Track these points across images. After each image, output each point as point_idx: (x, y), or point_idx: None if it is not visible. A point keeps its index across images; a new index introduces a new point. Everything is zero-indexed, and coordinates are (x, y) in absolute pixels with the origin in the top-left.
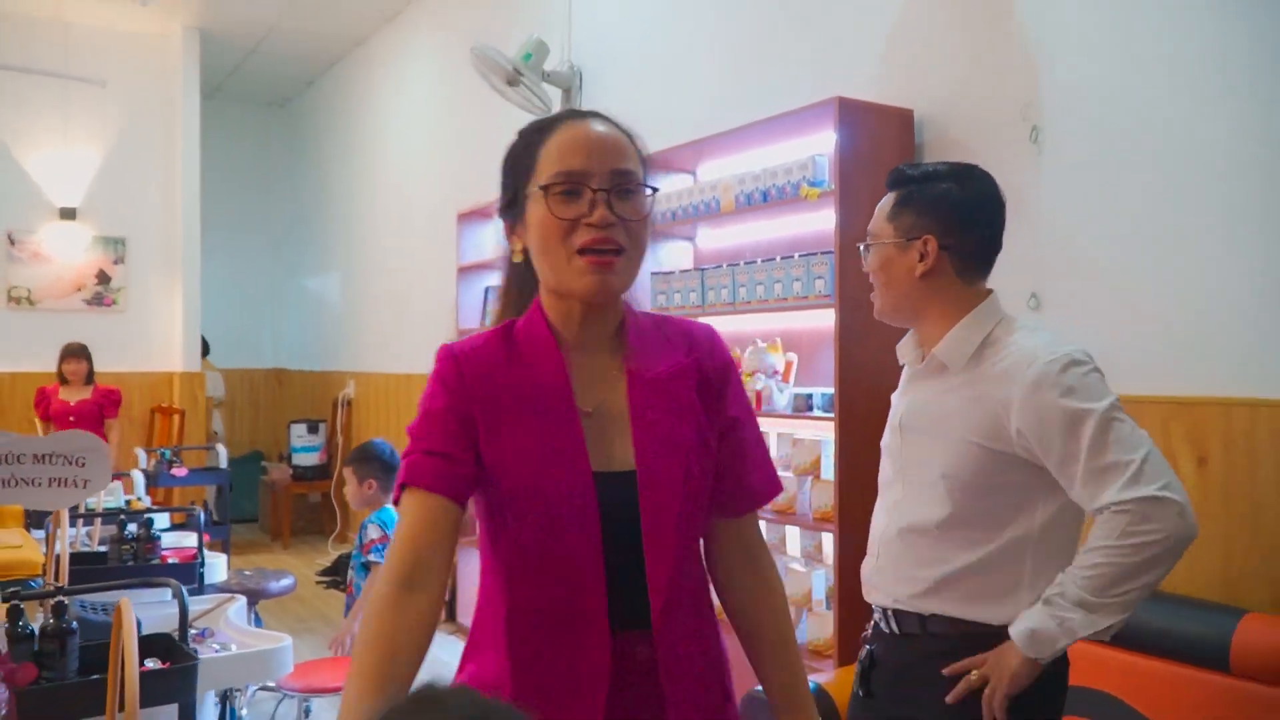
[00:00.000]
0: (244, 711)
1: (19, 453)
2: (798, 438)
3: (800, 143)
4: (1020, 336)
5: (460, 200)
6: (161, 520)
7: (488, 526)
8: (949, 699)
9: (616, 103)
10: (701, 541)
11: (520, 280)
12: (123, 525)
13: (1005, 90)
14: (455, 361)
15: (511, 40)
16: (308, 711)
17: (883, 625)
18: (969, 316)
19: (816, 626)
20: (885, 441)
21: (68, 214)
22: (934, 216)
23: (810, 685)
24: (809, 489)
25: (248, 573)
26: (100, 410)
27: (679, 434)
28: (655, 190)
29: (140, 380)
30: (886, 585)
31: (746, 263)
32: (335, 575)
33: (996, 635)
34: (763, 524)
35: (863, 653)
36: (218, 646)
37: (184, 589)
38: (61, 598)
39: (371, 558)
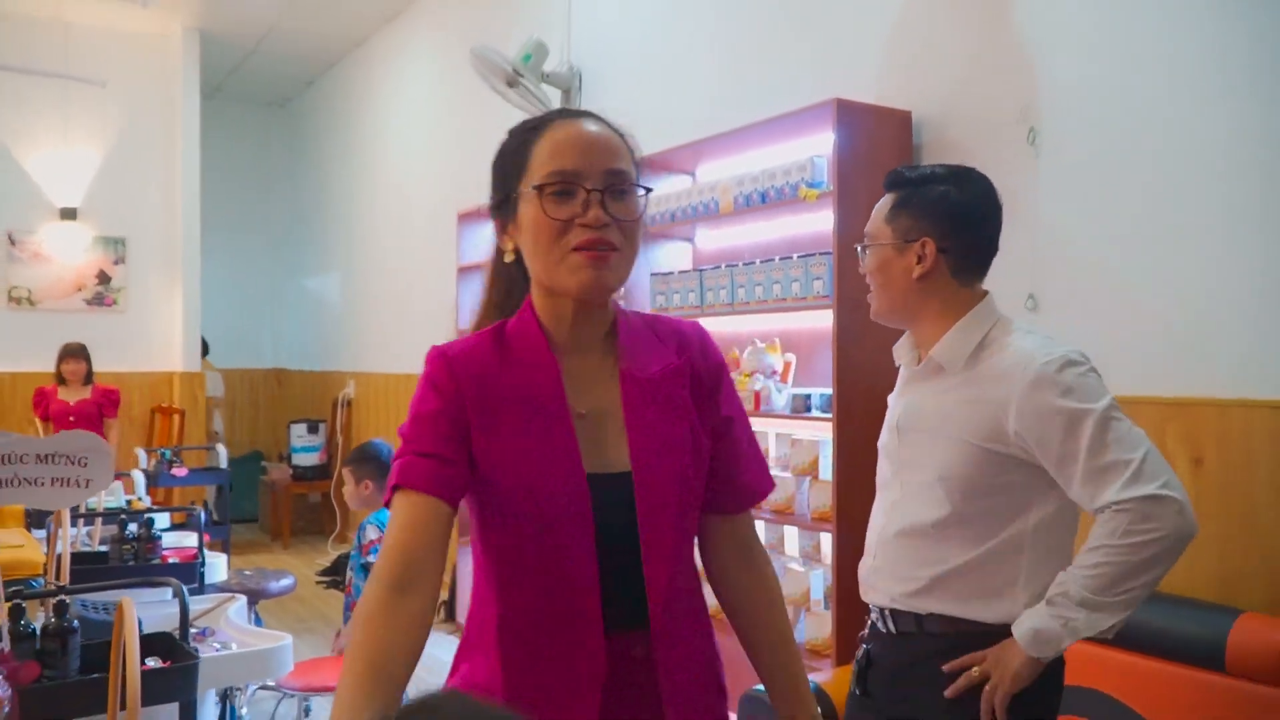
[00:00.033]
0: (244, 710)
1: (21, 453)
2: (796, 438)
3: (799, 144)
4: (1016, 338)
5: (460, 200)
6: (162, 520)
7: (480, 528)
8: (948, 693)
9: (615, 104)
10: (696, 540)
11: (508, 281)
12: (123, 525)
13: (1003, 92)
14: (447, 363)
15: (511, 41)
16: (307, 710)
17: (879, 625)
18: (965, 318)
19: (815, 626)
20: (882, 442)
21: (68, 214)
22: (932, 219)
23: (809, 684)
24: (807, 489)
25: (248, 572)
26: (100, 410)
27: (674, 435)
28: (649, 190)
29: (140, 380)
30: (884, 585)
31: (745, 263)
32: (335, 575)
33: (992, 634)
34: (761, 524)
35: (860, 652)
36: (218, 646)
37: (185, 588)
38: (63, 597)
39: (370, 559)
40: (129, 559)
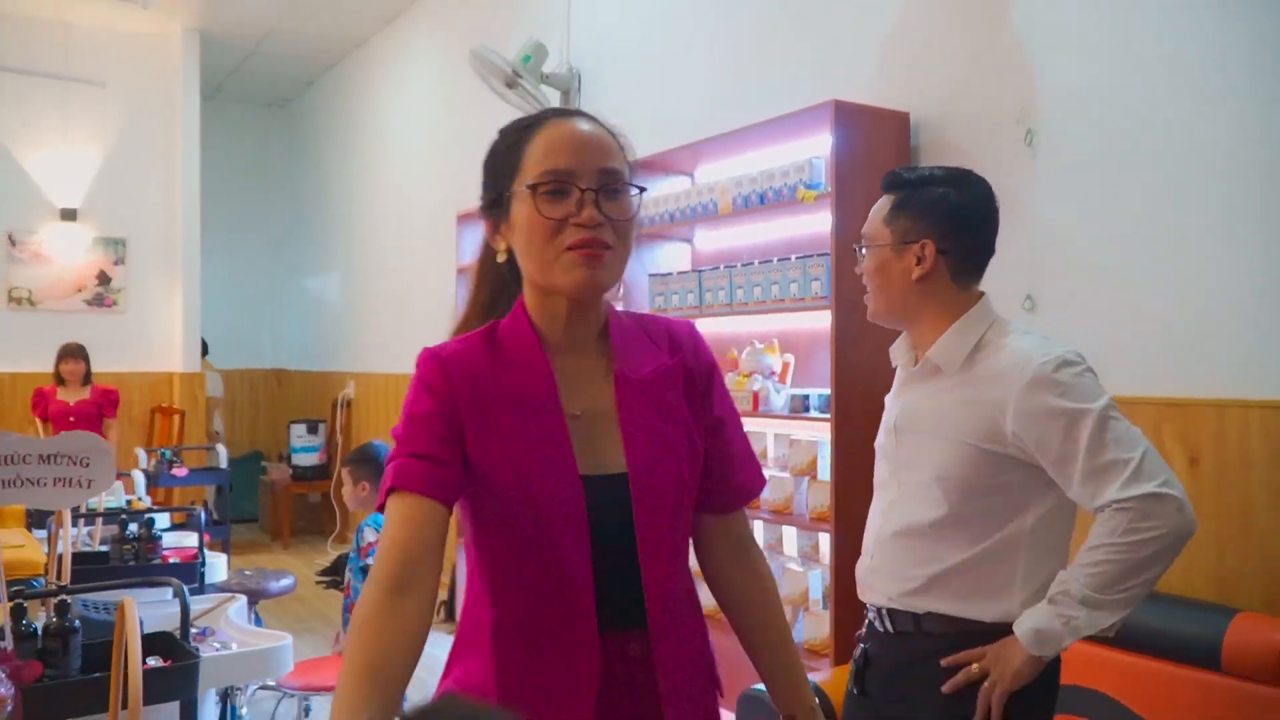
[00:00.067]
0: (244, 710)
1: (24, 453)
2: (794, 438)
3: (797, 145)
4: (1013, 339)
5: (460, 200)
6: (162, 520)
7: (475, 530)
8: (945, 688)
9: (614, 105)
10: (690, 539)
11: (499, 281)
12: (124, 525)
13: (1001, 94)
14: (440, 364)
15: (511, 41)
16: (307, 710)
17: (877, 624)
18: (962, 319)
19: (813, 626)
20: (879, 443)
21: (68, 215)
22: (931, 221)
23: (808, 680)
24: (805, 489)
25: (248, 572)
26: (99, 410)
27: (668, 436)
28: (642, 190)
29: (140, 380)
30: (881, 585)
31: (744, 264)
32: (334, 575)
33: (990, 633)
34: (760, 524)
35: (857, 651)
36: (218, 645)
37: (185, 588)
38: (64, 597)
39: (369, 561)
40: (129, 559)
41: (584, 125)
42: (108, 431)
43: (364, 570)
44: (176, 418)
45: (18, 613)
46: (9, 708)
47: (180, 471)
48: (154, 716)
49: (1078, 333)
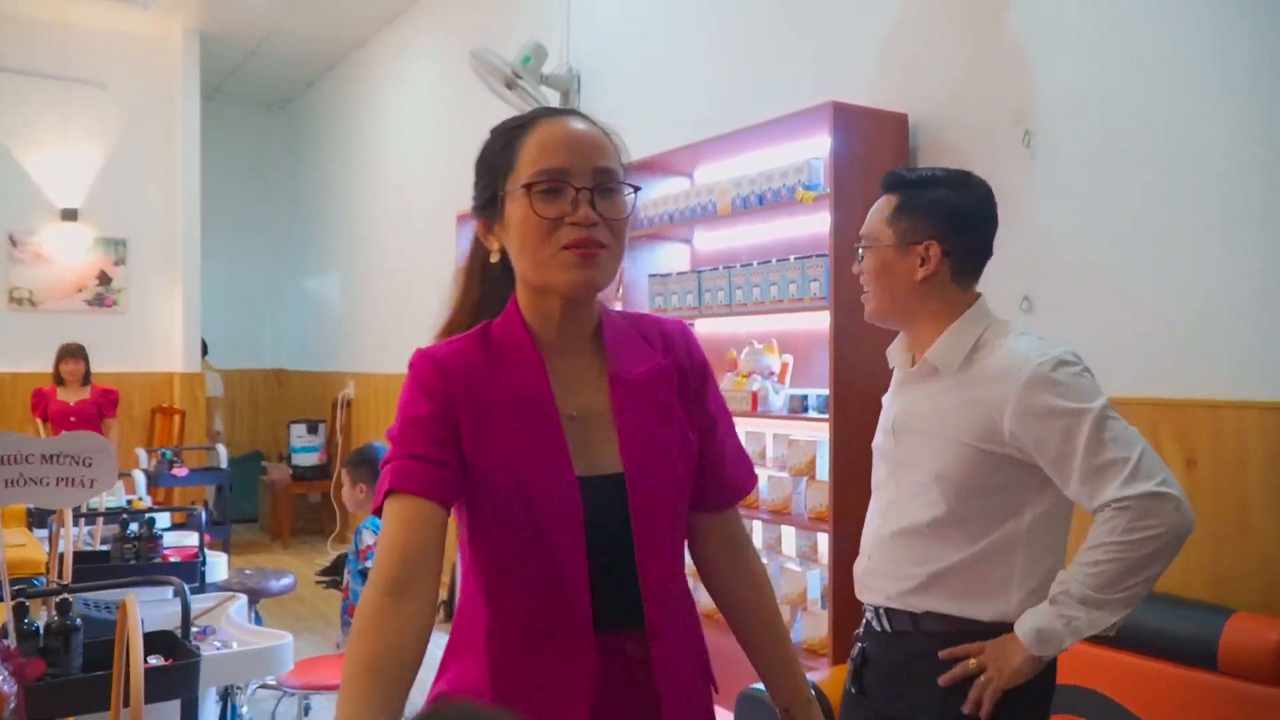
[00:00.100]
0: (245, 709)
1: (26, 453)
2: (793, 438)
3: (796, 146)
4: (1011, 340)
5: (460, 201)
6: (162, 520)
7: (470, 530)
8: (942, 681)
9: (614, 106)
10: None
11: (491, 282)
12: (125, 525)
13: (999, 95)
14: (435, 364)
15: (511, 42)
16: (307, 709)
17: (875, 624)
18: (960, 320)
19: (812, 626)
20: (877, 443)
21: (69, 215)
22: (934, 221)
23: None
24: (804, 489)
25: (248, 572)
26: (99, 410)
27: (663, 436)
28: (637, 189)
29: (141, 380)
30: (879, 584)
31: (743, 265)
32: (334, 575)
33: (987, 632)
34: (759, 524)
35: (855, 651)
36: (219, 644)
37: (186, 587)
38: (66, 595)
39: (368, 564)
40: (130, 558)
41: (578, 124)
42: (108, 431)
43: (362, 573)
44: (177, 418)
45: (20, 611)
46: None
47: (180, 471)
48: (155, 715)
49: (1075, 333)
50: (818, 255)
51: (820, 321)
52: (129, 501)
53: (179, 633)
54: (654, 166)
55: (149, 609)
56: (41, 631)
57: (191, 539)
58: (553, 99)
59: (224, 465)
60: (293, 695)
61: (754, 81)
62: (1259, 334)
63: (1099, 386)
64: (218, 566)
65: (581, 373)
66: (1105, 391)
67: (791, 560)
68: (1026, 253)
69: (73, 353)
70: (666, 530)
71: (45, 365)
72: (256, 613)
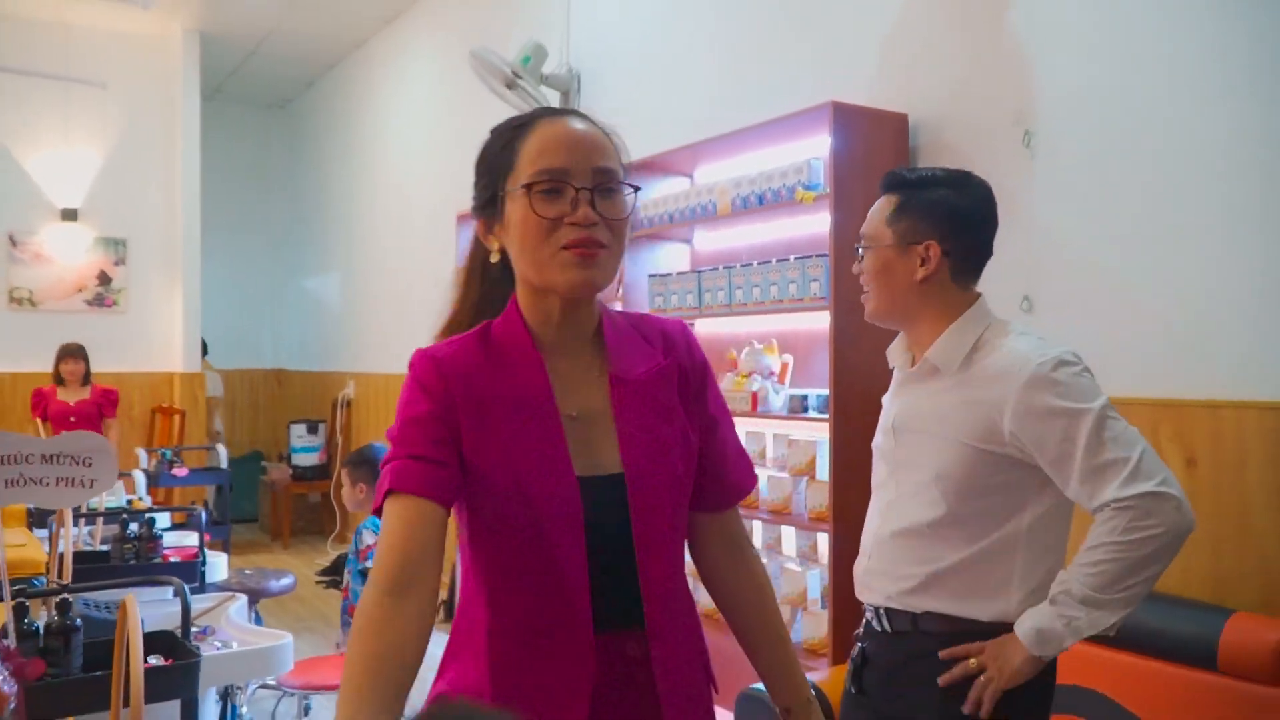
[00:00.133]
0: (244, 709)
1: (27, 453)
2: (793, 438)
3: (795, 146)
4: (1011, 340)
5: (460, 201)
6: (162, 520)
7: (470, 530)
8: (941, 681)
9: (614, 106)
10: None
11: (490, 282)
12: (125, 525)
13: (999, 95)
14: (435, 364)
15: (511, 42)
16: (307, 709)
17: (874, 623)
18: (960, 320)
19: (812, 626)
20: (877, 443)
21: (69, 215)
22: (934, 221)
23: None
24: (804, 489)
25: (248, 572)
26: (99, 410)
27: (664, 436)
28: (637, 189)
29: (141, 380)
30: (879, 584)
31: (743, 265)
32: (334, 575)
33: (987, 632)
34: (758, 524)
35: (855, 651)
36: (219, 644)
37: (186, 587)
38: (66, 595)
39: (368, 564)
40: (130, 558)
41: (578, 124)
42: (107, 431)
43: (362, 573)
44: (177, 418)
45: (20, 611)
46: (12, 705)
47: (180, 471)
48: (155, 715)
49: (1075, 334)
50: (818, 255)
51: (820, 322)
52: (129, 501)
53: (179, 633)
54: (654, 166)
55: (149, 609)
56: (42, 631)
57: (191, 539)
58: (553, 99)
59: (224, 465)
60: (293, 695)
61: (754, 81)
62: (1259, 334)
63: (1099, 386)
64: (218, 566)
65: (581, 373)
66: (1105, 391)
67: (791, 560)
68: (1026, 253)
69: (73, 353)
70: (667, 530)
71: (45, 365)
72: (256, 613)
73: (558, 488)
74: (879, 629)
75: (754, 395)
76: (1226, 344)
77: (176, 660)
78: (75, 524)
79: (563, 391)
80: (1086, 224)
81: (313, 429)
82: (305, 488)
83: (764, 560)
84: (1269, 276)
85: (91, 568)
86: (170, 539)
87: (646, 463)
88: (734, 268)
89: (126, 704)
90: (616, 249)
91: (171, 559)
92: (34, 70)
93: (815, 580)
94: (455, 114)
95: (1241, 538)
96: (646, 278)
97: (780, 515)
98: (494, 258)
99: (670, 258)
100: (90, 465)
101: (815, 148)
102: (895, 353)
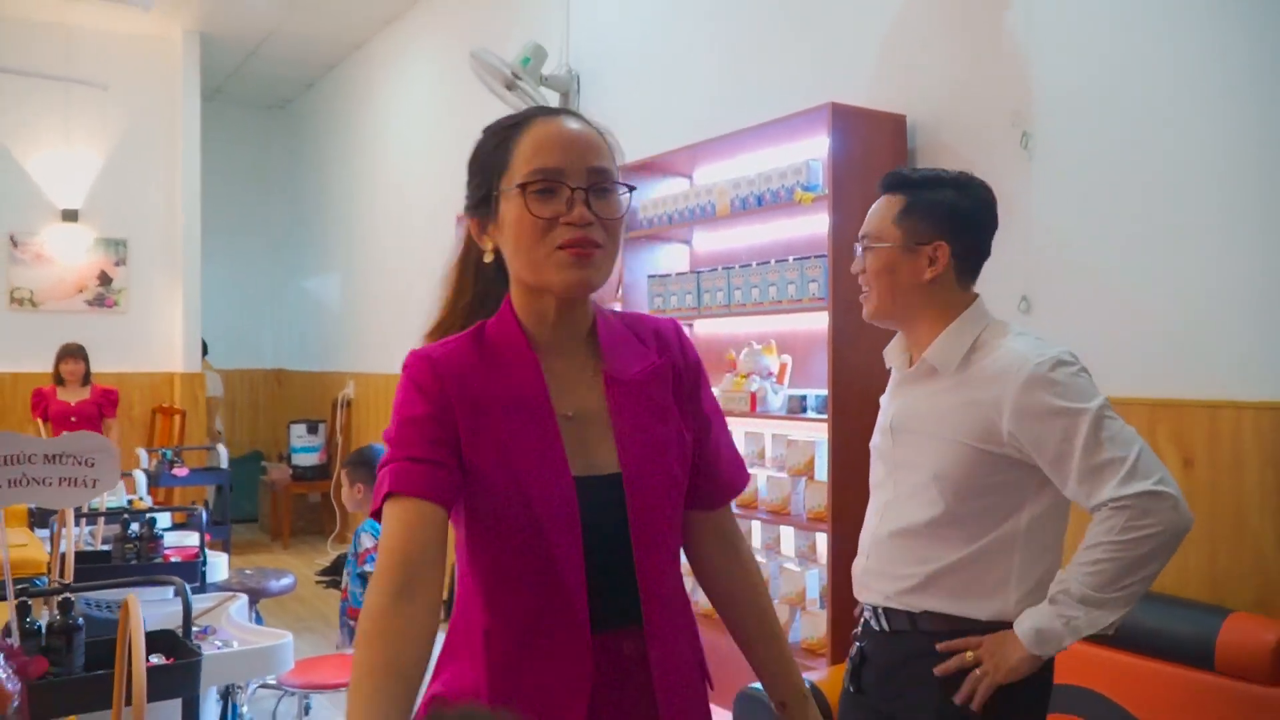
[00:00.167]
0: (245, 708)
1: (29, 453)
2: (792, 439)
3: (794, 147)
4: (1009, 340)
5: (460, 201)
6: (163, 520)
7: (467, 532)
8: (937, 671)
9: (613, 107)
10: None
11: (485, 282)
12: (126, 524)
13: (997, 96)
14: (431, 365)
15: (511, 43)
16: (308, 708)
17: (873, 623)
18: (958, 320)
19: (810, 625)
20: (875, 444)
21: (69, 216)
22: (938, 221)
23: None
24: (803, 489)
25: (249, 572)
26: (100, 410)
27: (660, 435)
28: (632, 189)
29: (141, 381)
30: (877, 584)
31: (742, 266)
32: (334, 575)
33: (985, 631)
34: (757, 524)
35: (853, 650)
36: (220, 644)
37: (187, 587)
38: (68, 595)
39: (367, 568)
40: (131, 558)
41: (572, 124)
42: (108, 431)
43: (361, 576)
44: (177, 418)
45: (22, 610)
46: (15, 703)
47: (181, 471)
48: (156, 714)
49: (1073, 334)
50: (816, 256)
51: (819, 322)
52: (130, 501)
53: (180, 632)
54: (653, 167)
55: (150, 608)
56: (44, 631)
57: (192, 539)
58: (552, 100)
59: (224, 465)
60: (293, 694)
61: (753, 82)
62: (1258, 334)
63: (1096, 386)
64: (218, 566)
65: (577, 373)
66: (1103, 391)
67: (790, 560)
68: (1025, 253)
69: (73, 353)
70: (664, 530)
71: (45, 365)
72: (257, 612)
73: (555, 488)
74: (877, 628)
75: (753, 395)
76: (1224, 344)
77: (178, 659)
78: (76, 524)
79: (558, 392)
80: (1084, 224)
81: (313, 429)
82: (305, 488)
83: (762, 560)
84: (1267, 277)
85: (93, 567)
86: (171, 539)
87: (644, 463)
88: (733, 268)
89: (128, 703)
90: (611, 249)
91: (172, 559)
92: (34, 71)
93: (814, 580)
94: (455, 115)
95: (1239, 538)
96: (646, 278)
97: (779, 515)
98: (487, 257)
99: (669, 258)
100: (93, 465)
101: (814, 149)
102: (893, 353)
